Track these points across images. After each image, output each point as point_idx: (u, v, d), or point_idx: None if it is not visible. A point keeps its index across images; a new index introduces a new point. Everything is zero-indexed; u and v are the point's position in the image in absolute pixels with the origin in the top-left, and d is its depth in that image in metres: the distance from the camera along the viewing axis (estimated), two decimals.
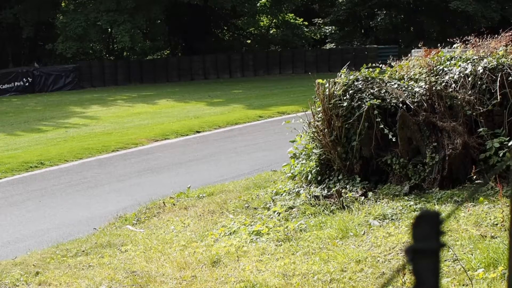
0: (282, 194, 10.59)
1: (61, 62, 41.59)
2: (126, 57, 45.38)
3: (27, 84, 38.27)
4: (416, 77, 10.50)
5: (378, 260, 7.31)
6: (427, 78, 10.23)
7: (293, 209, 9.64)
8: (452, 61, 10.38)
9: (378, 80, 10.46)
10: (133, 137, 20.39)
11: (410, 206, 8.95)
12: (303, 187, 10.68)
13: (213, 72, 42.56)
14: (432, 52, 11.25)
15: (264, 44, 47.21)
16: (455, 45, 11.25)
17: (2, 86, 37.66)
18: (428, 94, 10.04)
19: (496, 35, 10.96)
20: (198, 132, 21.38)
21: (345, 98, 10.24)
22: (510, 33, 10.87)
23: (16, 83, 38.10)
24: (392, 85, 10.36)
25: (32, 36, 42.26)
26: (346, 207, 9.27)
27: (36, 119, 26.84)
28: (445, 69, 10.27)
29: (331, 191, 9.96)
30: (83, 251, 9.29)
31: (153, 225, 10.34)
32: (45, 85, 38.64)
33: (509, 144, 9.36)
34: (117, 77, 40.86)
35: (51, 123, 25.76)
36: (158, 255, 8.55)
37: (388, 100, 10.04)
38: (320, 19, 47.74)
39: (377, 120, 9.90)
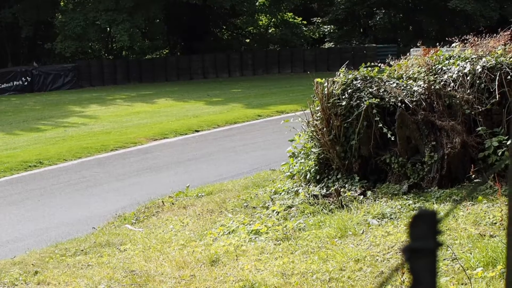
0: (281, 193, 10.59)
1: (60, 61, 41.57)
2: (125, 56, 45.34)
3: (26, 83, 38.25)
4: (415, 76, 10.50)
5: (377, 259, 7.31)
6: (425, 77, 10.23)
7: (292, 208, 9.64)
8: (450, 60, 10.38)
9: (376, 79, 10.46)
10: (132, 136, 20.38)
11: (409, 205, 8.96)
12: (302, 186, 10.68)
13: (212, 71, 42.54)
14: (431, 51, 11.24)
15: (263, 43, 47.20)
16: (453, 44, 11.25)
17: (1, 85, 37.64)
18: (426, 93, 10.04)
19: (494, 34, 10.97)
20: (197, 131, 21.37)
21: (343, 97, 10.24)
22: (509, 32, 10.88)
23: (15, 82, 38.08)
24: (391, 84, 10.35)
25: (31, 36, 42.25)
26: (345, 206, 9.27)
27: (35, 118, 26.83)
28: (444, 68, 10.27)
29: (330, 190, 9.96)
30: (82, 250, 9.29)
31: (152, 224, 10.33)
32: (44, 84, 38.62)
33: (508, 143, 9.37)
34: (116, 76, 40.84)
35: (50, 122, 25.74)
36: (157, 254, 8.54)
37: (387, 99, 10.04)
38: (319, 18, 47.74)
39: (376, 119, 9.89)
